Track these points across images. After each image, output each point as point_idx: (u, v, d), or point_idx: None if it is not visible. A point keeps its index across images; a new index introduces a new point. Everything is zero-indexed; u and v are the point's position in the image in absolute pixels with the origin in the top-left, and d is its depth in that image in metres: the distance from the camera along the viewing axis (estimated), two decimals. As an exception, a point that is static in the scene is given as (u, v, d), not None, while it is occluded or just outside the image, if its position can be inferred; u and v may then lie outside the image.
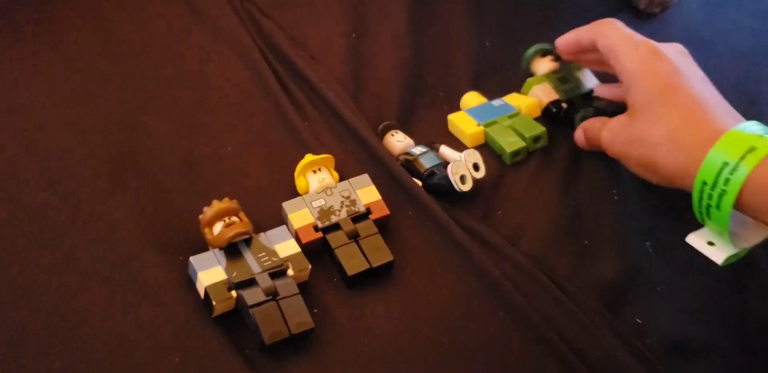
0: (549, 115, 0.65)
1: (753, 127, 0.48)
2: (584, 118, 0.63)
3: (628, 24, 0.75)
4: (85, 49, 0.62)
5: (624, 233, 0.57)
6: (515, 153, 0.61)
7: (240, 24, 0.66)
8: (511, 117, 0.63)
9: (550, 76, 0.66)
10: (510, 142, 0.61)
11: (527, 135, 0.61)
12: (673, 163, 0.50)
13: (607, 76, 0.67)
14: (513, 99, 0.65)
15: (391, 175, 0.58)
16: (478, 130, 0.62)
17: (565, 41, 0.62)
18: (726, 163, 0.45)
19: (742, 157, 0.45)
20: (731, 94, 0.69)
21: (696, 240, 0.51)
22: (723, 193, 0.45)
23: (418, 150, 0.60)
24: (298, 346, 0.48)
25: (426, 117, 0.65)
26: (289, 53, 0.64)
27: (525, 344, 0.50)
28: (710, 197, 0.46)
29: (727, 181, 0.45)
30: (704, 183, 0.46)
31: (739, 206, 0.46)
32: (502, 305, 0.51)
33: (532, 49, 0.67)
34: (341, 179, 0.56)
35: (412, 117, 0.65)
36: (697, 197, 0.47)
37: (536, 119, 0.64)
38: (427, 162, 0.59)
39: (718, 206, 0.46)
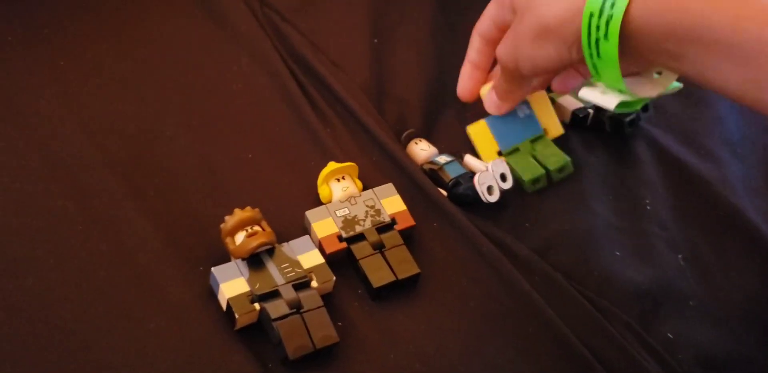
0: (577, 121, 0.63)
1: None
2: (614, 117, 0.61)
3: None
4: (103, 55, 0.61)
5: (656, 245, 0.55)
6: (534, 180, 0.59)
7: (260, 30, 0.65)
8: (533, 141, 0.61)
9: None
10: (528, 170, 0.59)
11: (551, 168, 0.59)
12: (559, 11, 0.46)
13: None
14: (540, 106, 0.63)
15: (415, 184, 0.56)
16: (497, 158, 0.59)
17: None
18: None
19: None
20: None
21: (589, 92, 0.51)
22: (609, 18, 0.43)
23: (442, 159, 0.59)
24: (322, 360, 0.46)
25: (450, 125, 0.64)
26: (310, 59, 0.63)
27: (554, 360, 0.49)
28: (598, 28, 0.44)
29: (613, 4, 0.43)
30: (591, 15, 0.44)
31: (627, 32, 0.43)
32: (531, 318, 0.50)
33: None
34: (364, 188, 0.55)
35: (436, 125, 0.64)
36: (586, 33, 0.45)
37: (561, 138, 0.61)
38: (452, 172, 0.58)
39: (606, 36, 0.44)
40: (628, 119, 0.61)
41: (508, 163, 0.59)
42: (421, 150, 0.60)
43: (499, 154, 0.60)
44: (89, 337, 0.45)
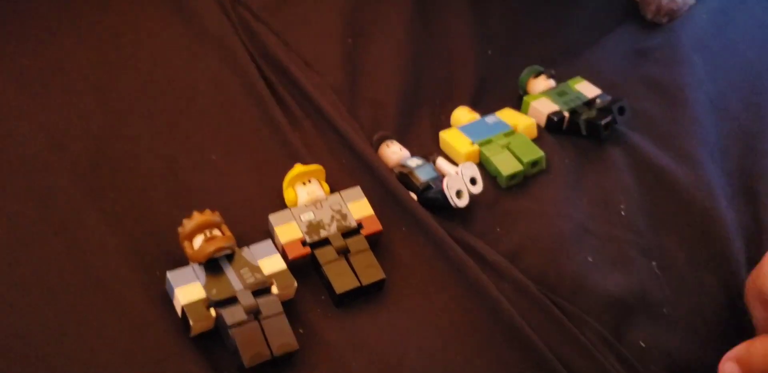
0: (552, 125, 0.62)
1: None
2: (589, 120, 0.60)
3: (635, 34, 0.73)
4: (67, 54, 0.59)
5: (629, 252, 0.54)
6: (512, 176, 0.58)
7: (231, 28, 0.63)
8: (506, 135, 0.60)
9: (547, 92, 0.64)
10: (507, 165, 0.58)
11: (525, 160, 0.58)
12: None
13: (603, 84, 0.65)
14: (508, 116, 0.62)
15: (385, 188, 0.55)
16: (472, 150, 0.59)
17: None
18: None
19: None
20: (738, 106, 0.67)
21: None
22: None
23: (413, 162, 0.58)
24: (281, 368, 0.45)
25: (424, 127, 0.63)
26: (282, 59, 0.62)
27: (522, 369, 0.47)
28: None
29: None
30: None
31: None
32: (500, 326, 0.49)
33: (525, 73, 0.65)
34: (333, 191, 0.54)
35: (410, 127, 0.63)
36: None
37: (535, 140, 0.61)
38: (423, 175, 0.57)
39: None
40: (603, 122, 0.60)
41: (485, 156, 0.59)
42: (393, 153, 0.59)
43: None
44: (40, 343, 0.44)
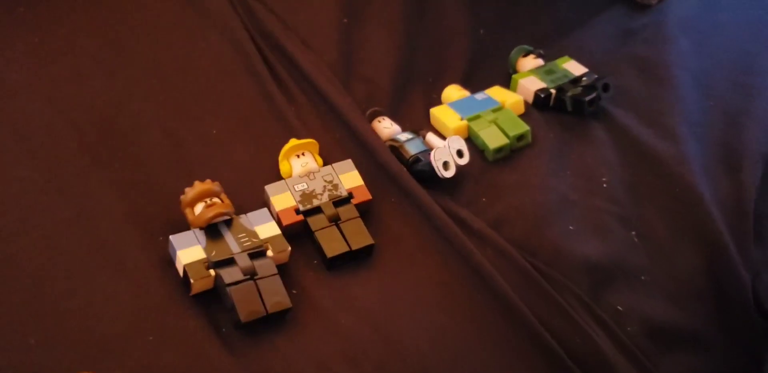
0: (539, 102, 0.65)
1: None
2: (574, 96, 0.63)
3: (624, 14, 0.76)
4: (75, 33, 0.62)
5: (609, 221, 0.57)
6: (498, 150, 0.60)
7: (231, 9, 0.66)
8: (494, 111, 0.63)
9: (535, 70, 0.67)
10: (494, 139, 0.60)
11: (511, 134, 0.61)
12: None
13: (591, 63, 0.68)
14: (497, 93, 0.65)
15: (376, 160, 0.58)
16: (461, 124, 0.62)
17: None
18: None
19: None
20: (724, 84, 0.69)
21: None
22: None
23: (404, 137, 0.61)
24: (275, 325, 0.48)
25: (416, 103, 0.66)
26: (280, 37, 0.65)
27: (502, 327, 0.50)
28: None
29: None
30: None
31: None
32: (482, 287, 0.51)
33: (514, 52, 0.68)
34: (327, 164, 0.56)
35: (403, 103, 0.65)
36: None
37: (522, 116, 0.63)
38: (412, 149, 0.59)
39: None
40: (588, 99, 0.63)
41: (473, 131, 0.62)
42: (384, 128, 0.61)
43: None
44: (50, 299, 0.47)
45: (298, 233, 0.53)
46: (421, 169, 0.58)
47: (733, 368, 0.54)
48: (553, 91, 0.65)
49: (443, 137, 0.62)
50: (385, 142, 0.60)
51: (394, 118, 0.63)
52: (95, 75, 0.60)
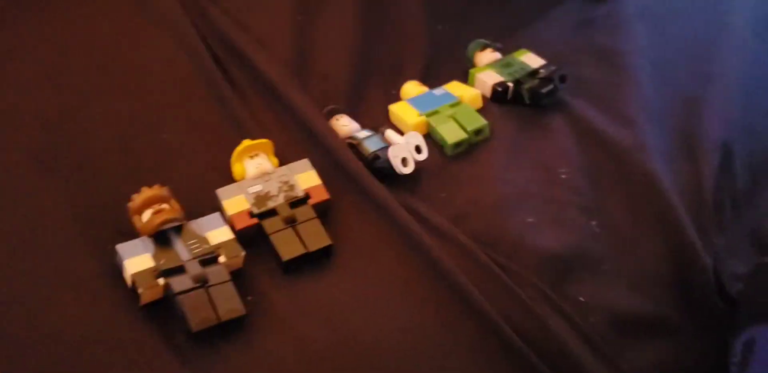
0: (497, 95, 0.64)
1: None
2: (531, 89, 0.62)
3: (582, 5, 0.75)
4: (23, 39, 0.61)
5: (569, 212, 0.56)
6: (457, 144, 0.60)
7: (182, 10, 0.65)
8: (452, 106, 0.62)
9: (492, 64, 0.66)
10: (452, 134, 0.59)
11: (469, 128, 0.60)
12: None
13: (550, 54, 0.67)
14: (455, 88, 0.64)
15: (334, 158, 0.57)
16: (419, 120, 0.61)
17: None
18: None
19: None
20: (682, 72, 0.69)
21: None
22: None
23: (362, 134, 0.59)
24: (229, 332, 0.47)
25: (375, 99, 0.65)
26: (234, 38, 0.63)
27: (464, 322, 0.49)
28: None
29: None
30: None
31: None
32: (442, 283, 0.50)
33: (471, 46, 0.67)
34: (285, 164, 0.55)
35: (361, 100, 0.64)
36: None
37: (480, 110, 0.62)
38: (371, 146, 0.58)
39: None
40: (545, 91, 0.62)
41: (431, 126, 0.61)
42: (342, 126, 0.60)
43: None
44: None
45: (253, 237, 0.52)
46: (380, 167, 0.57)
47: (698, 353, 0.53)
48: (510, 84, 0.64)
49: (402, 134, 0.61)
50: (343, 140, 0.59)
51: (353, 116, 0.62)
52: (43, 82, 0.58)
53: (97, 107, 0.57)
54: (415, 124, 0.61)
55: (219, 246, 0.49)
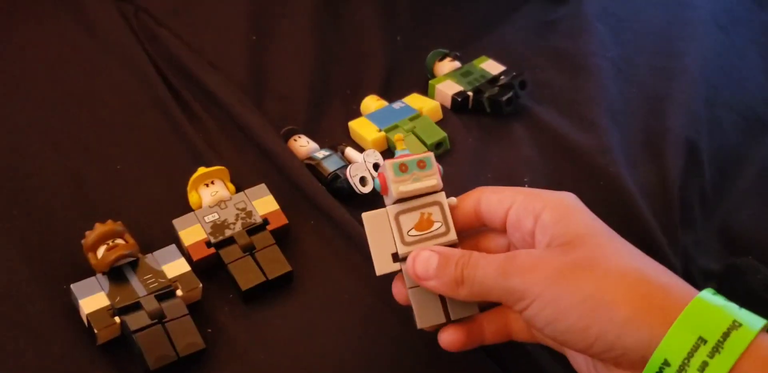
0: (457, 106, 0.63)
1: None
2: (491, 97, 0.61)
3: (543, 8, 0.74)
4: None
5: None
6: None
7: (132, 36, 0.64)
8: (412, 119, 0.61)
9: (451, 74, 0.65)
10: (411, 149, 0.58)
11: (428, 142, 0.59)
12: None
13: (513, 59, 0.66)
14: (415, 100, 0.63)
15: (293, 182, 0.56)
16: (379, 136, 0.60)
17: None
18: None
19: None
20: (645, 70, 0.68)
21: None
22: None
23: (321, 154, 0.59)
24: (189, 368, 0.46)
25: (335, 117, 0.64)
26: (186, 61, 0.63)
27: (432, 347, 0.48)
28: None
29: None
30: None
31: None
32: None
33: (429, 57, 0.66)
34: (242, 190, 0.54)
35: (321, 118, 0.63)
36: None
37: (441, 122, 0.62)
38: (330, 165, 0.58)
39: None
40: (504, 98, 0.61)
41: (391, 142, 0.60)
42: (301, 146, 0.59)
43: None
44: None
45: (212, 267, 0.51)
46: (339, 186, 0.56)
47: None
48: (470, 93, 0.63)
49: (362, 151, 0.60)
50: (301, 161, 0.58)
51: (314, 135, 0.61)
52: (-12, 116, 0.57)
53: (47, 142, 0.56)
54: (374, 141, 0.60)
55: (175, 279, 0.48)
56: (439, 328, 0.44)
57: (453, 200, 0.45)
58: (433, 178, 0.44)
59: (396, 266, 0.44)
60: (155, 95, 0.60)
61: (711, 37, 0.72)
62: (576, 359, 0.42)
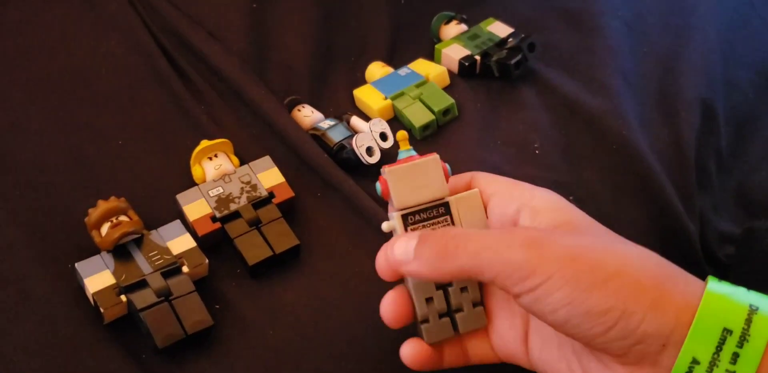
0: (464, 70, 0.62)
1: None
2: (499, 60, 0.60)
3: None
4: None
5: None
6: (425, 127, 0.57)
7: (130, 8, 0.62)
8: (418, 86, 0.59)
9: (458, 37, 0.63)
10: (418, 116, 0.57)
11: (436, 109, 0.57)
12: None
13: (520, 21, 0.64)
14: (421, 66, 0.61)
15: (298, 154, 0.55)
16: (385, 104, 0.59)
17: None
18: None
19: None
20: (656, 28, 0.66)
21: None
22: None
23: (326, 124, 0.57)
24: (198, 345, 0.45)
25: (340, 86, 0.62)
26: (185, 32, 0.61)
27: None
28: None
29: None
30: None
31: None
32: None
33: (435, 20, 0.64)
34: (246, 163, 0.53)
35: (325, 87, 0.62)
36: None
37: (448, 88, 0.60)
38: (335, 136, 0.56)
39: None
40: (513, 62, 0.59)
41: (398, 109, 0.58)
42: (305, 117, 0.58)
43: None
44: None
45: (217, 242, 0.50)
46: (345, 157, 0.55)
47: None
48: (477, 57, 0.61)
49: (368, 120, 0.59)
50: (306, 132, 0.57)
51: (318, 104, 0.59)
52: (-17, 94, 0.56)
53: (45, 118, 0.55)
54: (380, 109, 0.59)
55: (181, 256, 0.47)
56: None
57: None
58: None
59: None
60: (155, 68, 0.58)
61: (725, -8, 0.69)
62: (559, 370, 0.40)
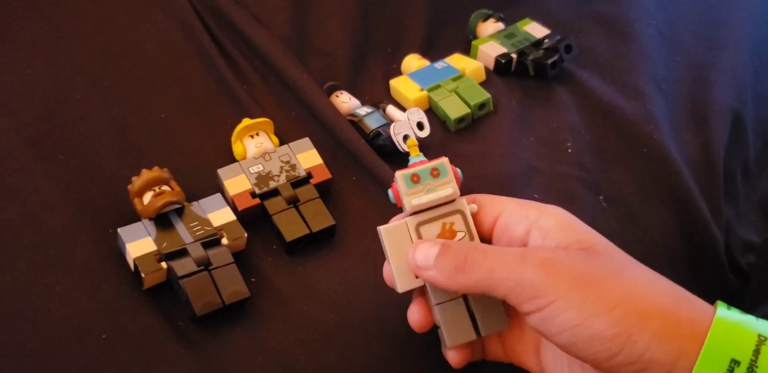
0: (500, 68, 0.63)
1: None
2: (535, 60, 0.61)
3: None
4: (12, 21, 0.59)
5: (575, 187, 0.55)
6: (460, 120, 0.58)
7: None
8: (455, 80, 0.60)
9: (495, 35, 0.64)
10: (454, 109, 0.58)
11: (472, 103, 0.59)
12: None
13: (555, 23, 0.65)
14: (457, 61, 0.63)
15: (335, 138, 0.56)
16: (421, 95, 0.60)
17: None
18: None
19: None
20: (689, 38, 0.67)
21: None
22: None
23: (363, 111, 0.58)
24: (234, 315, 0.46)
25: (376, 75, 0.63)
26: (229, 13, 0.62)
27: None
28: None
29: None
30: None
31: None
32: None
33: (473, 17, 0.65)
34: (284, 143, 0.54)
35: (362, 76, 0.63)
36: None
37: (483, 83, 0.61)
38: (372, 123, 0.57)
39: None
40: (549, 62, 0.61)
41: (433, 101, 0.60)
42: (342, 103, 0.59)
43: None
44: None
45: (255, 218, 0.51)
46: (382, 144, 0.56)
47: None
48: (513, 55, 0.62)
49: (404, 109, 0.60)
50: (344, 117, 0.58)
51: (353, 92, 0.60)
52: (35, 63, 0.57)
53: (92, 88, 0.56)
54: (416, 100, 0.60)
55: (221, 228, 0.48)
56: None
57: (474, 207, 0.43)
58: (448, 186, 0.42)
59: (419, 282, 0.42)
60: (199, 45, 0.59)
61: (758, 6, 0.70)
62: None
